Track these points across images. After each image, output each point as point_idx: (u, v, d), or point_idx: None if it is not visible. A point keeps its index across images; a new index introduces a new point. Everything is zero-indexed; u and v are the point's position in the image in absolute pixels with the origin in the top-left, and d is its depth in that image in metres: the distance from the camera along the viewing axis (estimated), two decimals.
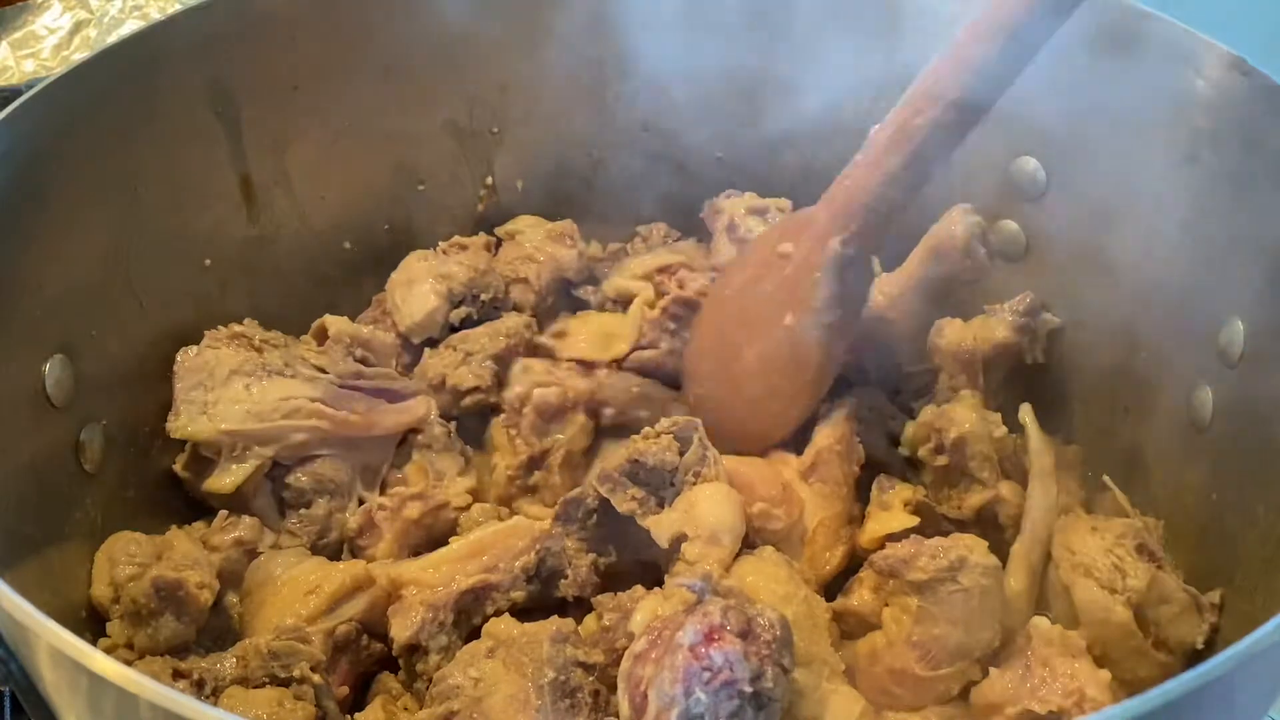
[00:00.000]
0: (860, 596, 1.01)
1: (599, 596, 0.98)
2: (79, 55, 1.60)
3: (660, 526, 0.98)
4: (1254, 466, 0.97)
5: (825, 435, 1.09)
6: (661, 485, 1.01)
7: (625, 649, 0.86)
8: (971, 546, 0.96)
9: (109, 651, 0.94)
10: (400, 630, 0.97)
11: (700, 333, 1.17)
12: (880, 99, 1.22)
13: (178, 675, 0.92)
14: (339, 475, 1.11)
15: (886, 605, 0.98)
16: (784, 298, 1.09)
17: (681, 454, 1.01)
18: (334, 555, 1.10)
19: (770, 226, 1.21)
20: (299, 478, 1.10)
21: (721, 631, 0.80)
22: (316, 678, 0.92)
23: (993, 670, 0.94)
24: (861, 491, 1.10)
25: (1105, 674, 0.92)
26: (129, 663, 0.93)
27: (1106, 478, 1.12)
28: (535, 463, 1.14)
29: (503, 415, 1.17)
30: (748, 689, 0.79)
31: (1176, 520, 1.05)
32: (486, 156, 1.33)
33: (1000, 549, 1.01)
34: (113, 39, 1.59)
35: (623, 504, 0.99)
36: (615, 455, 1.03)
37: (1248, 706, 0.74)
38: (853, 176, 1.06)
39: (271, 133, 1.19)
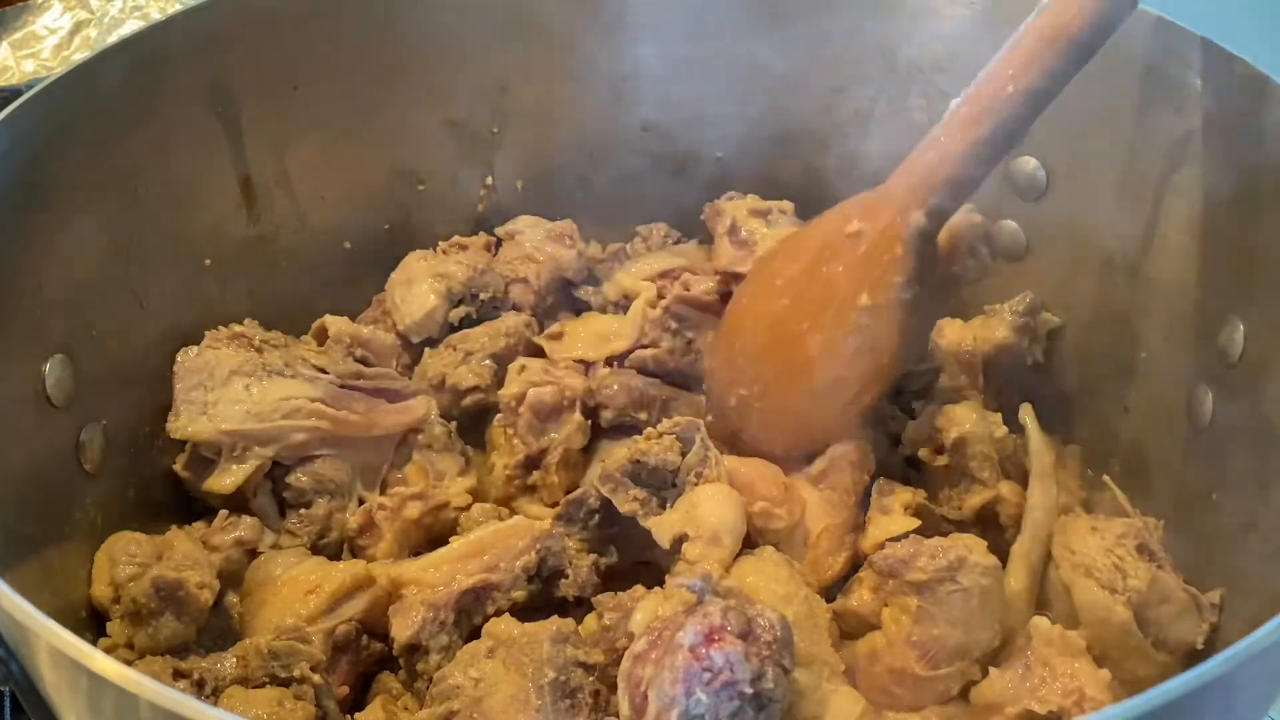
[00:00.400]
0: (860, 597, 1.01)
1: (599, 596, 0.97)
2: (79, 55, 1.60)
3: (661, 527, 0.98)
4: (1254, 466, 0.97)
5: (840, 442, 1.08)
6: (663, 486, 1.01)
7: (625, 649, 0.86)
8: (971, 546, 0.96)
9: (109, 651, 0.94)
10: (401, 630, 0.97)
11: (740, 330, 1.13)
12: (879, 100, 1.22)
13: (178, 675, 0.92)
14: (339, 475, 1.11)
15: (886, 605, 0.98)
16: (858, 277, 1.04)
17: (683, 454, 1.01)
18: (334, 555, 1.10)
19: (829, 210, 1.14)
20: (299, 478, 1.10)
21: (722, 632, 0.80)
22: (316, 677, 0.92)
23: (992, 670, 0.94)
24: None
25: (1105, 674, 0.92)
26: (129, 663, 0.93)
27: (1106, 478, 1.12)
28: (533, 462, 1.14)
29: (500, 415, 1.17)
30: (748, 690, 0.79)
31: (1176, 520, 1.05)
32: (486, 156, 1.33)
33: (1000, 549, 1.01)
34: (113, 39, 1.58)
35: (624, 504, 0.99)
36: (617, 455, 1.03)
37: (1248, 706, 0.74)
38: (934, 149, 1.03)
39: (271, 133, 1.19)
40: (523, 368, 1.16)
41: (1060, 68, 0.97)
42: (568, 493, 1.06)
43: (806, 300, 1.07)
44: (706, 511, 0.97)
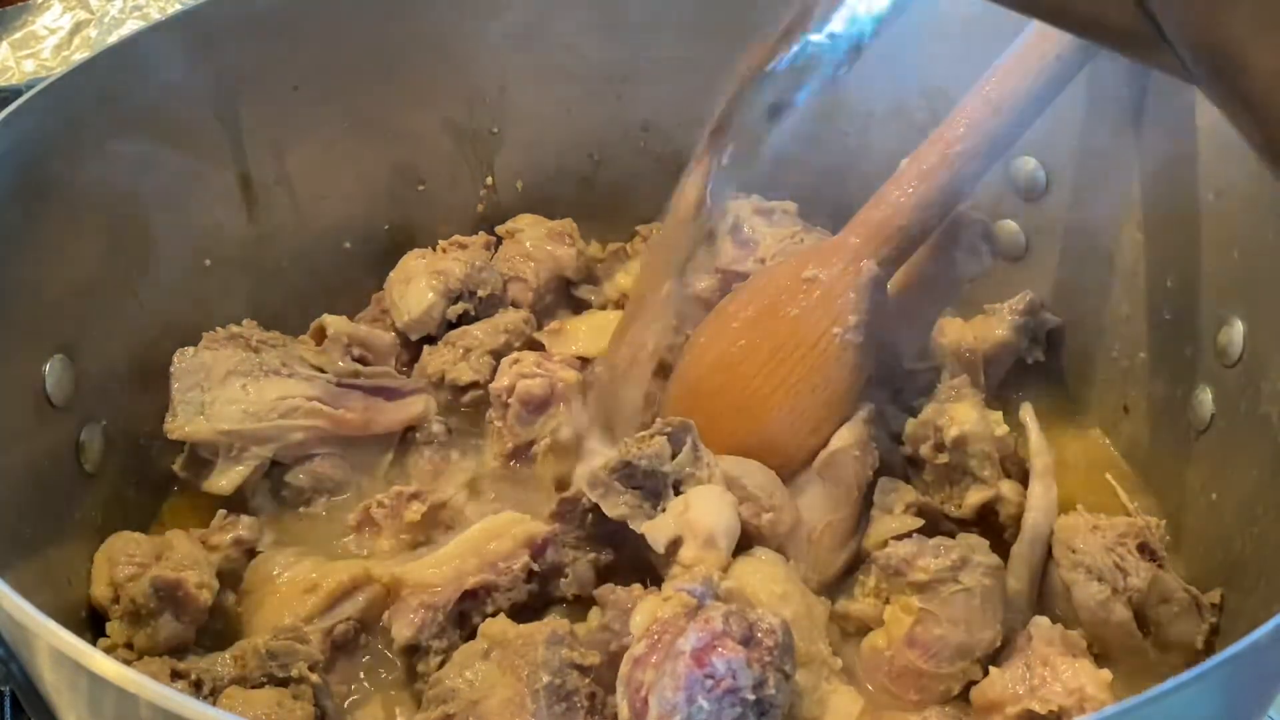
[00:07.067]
0: (862, 596, 1.01)
1: (600, 589, 0.96)
2: (79, 55, 1.60)
3: (655, 531, 0.97)
4: (1253, 466, 0.96)
5: (842, 437, 1.08)
6: (654, 488, 1.00)
7: (622, 650, 0.86)
8: (974, 546, 0.96)
9: (109, 651, 0.94)
10: (400, 630, 0.97)
11: (696, 370, 1.14)
12: (879, 100, 1.22)
13: (176, 675, 0.92)
14: (338, 474, 1.11)
15: (888, 604, 0.98)
16: (813, 320, 1.08)
17: (674, 455, 1.00)
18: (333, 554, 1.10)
19: (786, 257, 1.20)
20: (298, 476, 1.10)
21: (723, 638, 0.80)
22: (315, 677, 0.92)
23: (993, 670, 0.94)
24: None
25: (1105, 673, 0.92)
26: (129, 663, 0.93)
27: (1108, 476, 1.12)
28: (521, 452, 1.13)
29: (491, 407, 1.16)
30: (750, 696, 0.79)
31: (1176, 520, 1.05)
32: (486, 156, 1.33)
33: (1000, 548, 1.01)
34: (113, 39, 1.59)
35: (614, 509, 0.98)
36: (605, 455, 1.02)
37: (1248, 706, 0.74)
38: (885, 204, 1.08)
39: (271, 133, 1.19)
40: (515, 360, 1.16)
41: (1002, 133, 1.03)
42: (556, 482, 1.06)
43: (763, 342, 1.10)
44: (700, 514, 0.97)
